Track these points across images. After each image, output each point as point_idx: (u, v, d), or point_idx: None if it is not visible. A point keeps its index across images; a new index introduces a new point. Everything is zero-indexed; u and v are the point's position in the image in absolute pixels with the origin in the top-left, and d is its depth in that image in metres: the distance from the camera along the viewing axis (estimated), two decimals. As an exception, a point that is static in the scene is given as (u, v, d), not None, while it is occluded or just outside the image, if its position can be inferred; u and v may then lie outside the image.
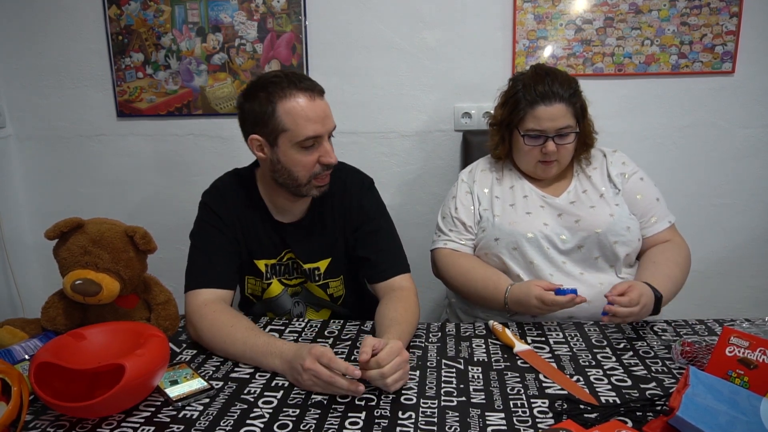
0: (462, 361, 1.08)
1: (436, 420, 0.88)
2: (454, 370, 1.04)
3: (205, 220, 1.27)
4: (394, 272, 1.28)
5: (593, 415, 0.87)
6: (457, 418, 0.88)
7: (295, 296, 1.38)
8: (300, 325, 1.26)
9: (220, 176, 1.36)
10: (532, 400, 0.93)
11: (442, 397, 0.94)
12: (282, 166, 1.19)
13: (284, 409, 0.92)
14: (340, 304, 1.40)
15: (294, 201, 1.28)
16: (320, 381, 0.94)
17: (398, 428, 0.86)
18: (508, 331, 1.14)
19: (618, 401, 0.92)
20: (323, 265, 1.33)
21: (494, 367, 1.05)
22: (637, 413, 0.87)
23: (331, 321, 1.28)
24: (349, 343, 1.17)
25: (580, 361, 1.07)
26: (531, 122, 1.33)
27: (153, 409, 0.92)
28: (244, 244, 1.29)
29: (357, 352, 1.10)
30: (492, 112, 1.48)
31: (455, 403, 0.93)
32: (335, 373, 0.93)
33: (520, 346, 1.10)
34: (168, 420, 0.89)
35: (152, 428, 0.87)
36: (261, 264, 1.32)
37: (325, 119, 1.18)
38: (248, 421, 0.88)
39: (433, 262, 1.46)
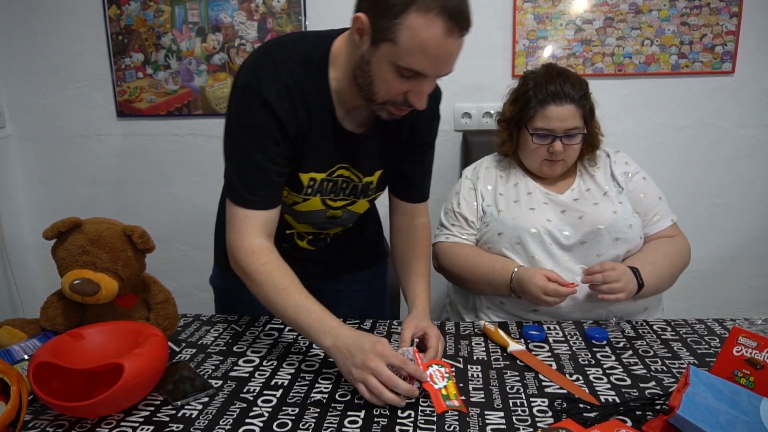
0: (461, 359, 1.07)
1: (435, 419, 0.88)
2: (453, 369, 1.04)
3: (261, 125, 1.03)
4: (422, 198, 1.30)
5: (593, 415, 0.87)
6: (456, 417, 0.88)
7: (332, 218, 1.25)
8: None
9: (276, 47, 1.04)
10: (531, 399, 0.93)
11: (442, 397, 0.94)
12: (369, 69, 0.97)
13: (283, 408, 0.91)
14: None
15: (364, 105, 1.08)
16: (373, 383, 0.89)
17: (397, 427, 0.86)
18: (500, 332, 1.14)
19: (618, 400, 0.92)
20: (377, 177, 1.21)
21: (493, 366, 1.04)
22: (637, 412, 0.87)
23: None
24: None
25: (580, 360, 1.07)
26: (540, 121, 1.34)
27: (152, 409, 0.92)
28: (298, 154, 1.10)
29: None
30: (493, 111, 1.49)
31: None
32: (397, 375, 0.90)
33: (514, 346, 1.10)
34: (167, 419, 0.89)
35: (151, 428, 0.87)
36: (306, 177, 1.13)
37: (444, 63, 0.95)
38: (247, 420, 0.88)
39: (435, 256, 1.47)
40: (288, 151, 1.07)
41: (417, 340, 1.04)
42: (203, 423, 0.88)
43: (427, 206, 1.33)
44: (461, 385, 0.98)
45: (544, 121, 1.33)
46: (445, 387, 0.91)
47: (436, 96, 1.20)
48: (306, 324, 1.00)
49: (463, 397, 0.93)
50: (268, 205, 1.08)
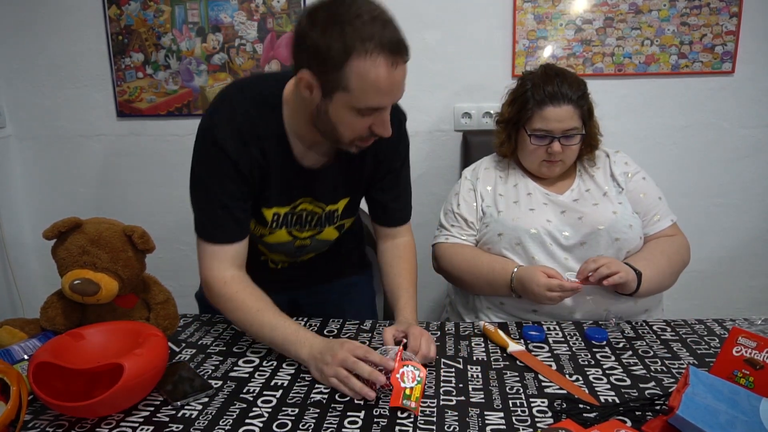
0: (461, 360, 1.07)
1: (435, 419, 0.88)
2: (453, 369, 1.04)
3: (217, 165, 1.08)
4: (401, 221, 1.32)
5: (592, 415, 0.87)
6: (456, 418, 0.88)
7: (301, 247, 1.29)
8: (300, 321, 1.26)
9: (234, 93, 1.11)
10: (531, 400, 0.93)
11: (441, 397, 0.94)
12: (328, 118, 1.01)
13: (283, 409, 0.91)
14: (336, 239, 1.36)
15: (325, 141, 1.10)
16: (342, 374, 0.94)
17: (397, 427, 0.86)
18: (500, 332, 1.14)
19: (617, 401, 0.92)
20: (342, 205, 1.25)
21: (493, 367, 1.05)
22: (637, 413, 0.87)
23: (331, 320, 1.28)
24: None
25: (579, 360, 1.07)
26: (538, 122, 1.34)
27: (152, 409, 0.92)
28: (258, 190, 1.14)
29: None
30: (493, 111, 1.48)
31: (454, 402, 0.93)
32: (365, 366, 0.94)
33: (513, 347, 1.10)
34: (167, 419, 0.89)
35: (151, 428, 0.87)
36: (269, 213, 1.18)
37: (397, 92, 1.00)
38: (247, 421, 0.88)
39: (435, 257, 1.47)
40: (247, 188, 1.11)
41: (404, 340, 1.05)
42: (203, 423, 0.88)
43: (408, 226, 1.35)
44: (461, 385, 0.98)
45: (542, 122, 1.33)
46: (411, 388, 0.92)
47: (399, 120, 1.21)
48: (281, 339, 1.05)
49: (428, 399, 0.93)
50: (234, 238, 1.13)
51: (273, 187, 1.14)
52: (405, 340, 1.05)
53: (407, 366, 0.94)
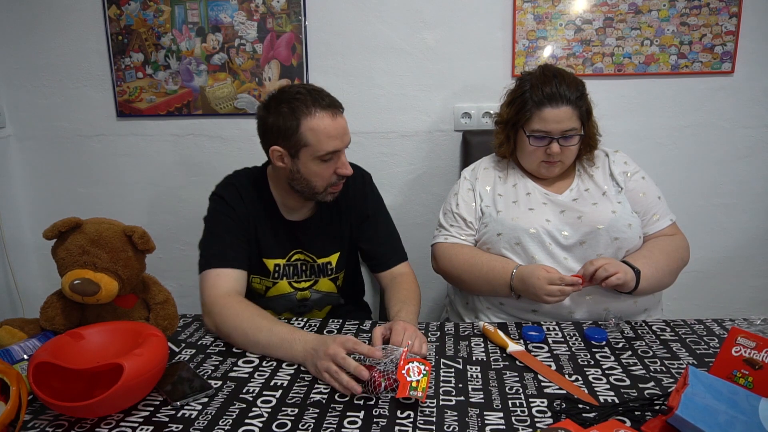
0: (461, 360, 1.08)
1: (434, 419, 0.88)
2: (452, 369, 1.04)
3: (221, 211, 1.32)
4: (395, 262, 1.44)
5: (592, 415, 0.87)
6: (456, 418, 0.88)
7: (303, 300, 1.42)
8: (299, 324, 1.26)
9: (233, 173, 1.41)
10: (530, 400, 0.93)
11: (441, 397, 0.94)
12: (301, 175, 1.27)
13: (283, 409, 0.92)
14: (339, 293, 1.48)
15: (304, 201, 1.36)
16: (333, 369, 0.97)
17: (397, 427, 0.86)
18: (500, 332, 1.14)
19: (617, 401, 0.92)
20: (334, 259, 1.43)
21: (493, 367, 1.05)
22: (636, 413, 0.87)
23: (330, 320, 1.28)
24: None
25: (579, 360, 1.07)
26: (537, 123, 1.34)
27: (152, 409, 0.92)
28: (255, 241, 1.34)
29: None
30: (492, 111, 1.48)
31: (454, 402, 0.93)
32: (350, 365, 0.97)
33: (513, 347, 1.10)
34: (167, 420, 0.89)
35: (151, 428, 0.87)
36: (270, 263, 1.37)
37: (344, 135, 1.27)
38: (247, 421, 0.88)
39: (434, 257, 1.47)
40: (245, 231, 1.32)
41: (410, 343, 1.06)
42: (203, 423, 0.88)
43: (407, 264, 1.46)
44: (460, 385, 0.98)
45: (541, 123, 1.33)
46: (417, 381, 0.94)
47: (362, 176, 1.46)
48: (278, 339, 1.09)
49: (428, 399, 0.94)
50: (235, 264, 1.27)
51: (266, 241, 1.35)
52: (410, 343, 1.05)
53: (412, 362, 0.96)
